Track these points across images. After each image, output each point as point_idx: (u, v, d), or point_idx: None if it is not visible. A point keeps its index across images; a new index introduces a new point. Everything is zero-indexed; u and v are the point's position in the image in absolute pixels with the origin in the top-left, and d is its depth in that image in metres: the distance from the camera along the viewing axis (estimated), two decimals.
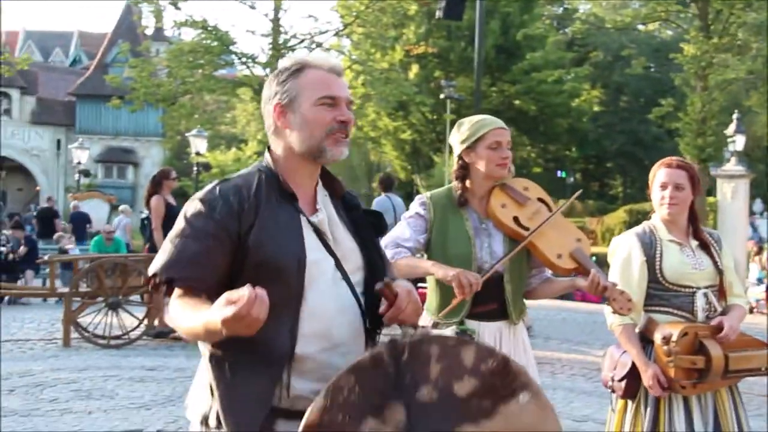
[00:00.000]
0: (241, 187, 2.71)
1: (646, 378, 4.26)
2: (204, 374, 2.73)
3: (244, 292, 2.24)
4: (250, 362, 2.61)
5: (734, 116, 26.22)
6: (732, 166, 24.25)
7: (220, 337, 2.33)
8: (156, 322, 11.56)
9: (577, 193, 4.71)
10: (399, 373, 2.46)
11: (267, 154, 2.85)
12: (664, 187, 4.44)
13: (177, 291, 2.62)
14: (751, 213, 29.69)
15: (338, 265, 2.77)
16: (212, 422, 2.66)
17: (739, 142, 25.53)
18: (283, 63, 2.85)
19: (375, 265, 2.90)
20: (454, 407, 2.45)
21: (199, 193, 2.73)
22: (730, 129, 26.00)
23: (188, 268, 2.61)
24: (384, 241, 4.08)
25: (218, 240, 2.63)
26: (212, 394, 2.67)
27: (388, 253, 4.00)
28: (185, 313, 2.54)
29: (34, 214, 29.64)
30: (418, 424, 2.42)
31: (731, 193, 23.42)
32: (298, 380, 2.65)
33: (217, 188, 2.71)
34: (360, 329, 2.78)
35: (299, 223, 2.74)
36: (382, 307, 2.72)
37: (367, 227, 2.97)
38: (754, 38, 28.64)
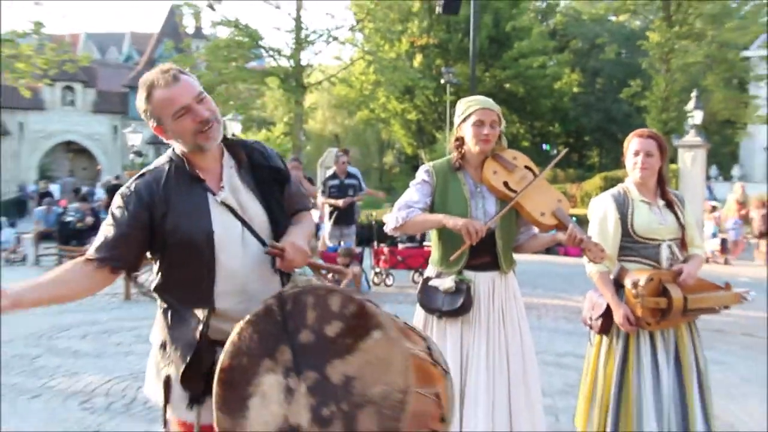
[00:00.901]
0: (151, 183, 2.88)
1: (618, 317, 4.32)
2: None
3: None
4: (182, 315, 2.92)
5: (693, 94, 26.14)
6: (691, 137, 24.13)
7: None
8: None
9: (555, 160, 4.65)
10: (285, 320, 2.59)
11: (176, 145, 2.94)
12: (636, 154, 4.45)
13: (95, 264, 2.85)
14: (708, 178, 29.69)
15: (247, 228, 2.92)
16: (168, 348, 2.95)
17: (697, 117, 25.52)
18: (140, 88, 2.88)
19: (277, 219, 3.02)
20: (326, 346, 2.55)
21: (121, 189, 2.90)
22: (690, 105, 25.94)
23: (110, 251, 2.83)
24: (397, 204, 4.14)
25: (132, 227, 2.83)
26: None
27: (402, 213, 4.06)
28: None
29: (105, 189, 29.62)
30: (300, 362, 2.55)
31: (691, 161, 23.35)
32: (222, 324, 2.84)
33: (133, 185, 2.89)
34: (272, 277, 2.97)
35: (207, 201, 2.89)
36: (278, 263, 2.92)
37: (270, 182, 3.06)
38: (710, 27, 28.39)
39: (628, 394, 4.37)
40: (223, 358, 2.60)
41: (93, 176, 47.37)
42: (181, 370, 2.86)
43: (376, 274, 13.84)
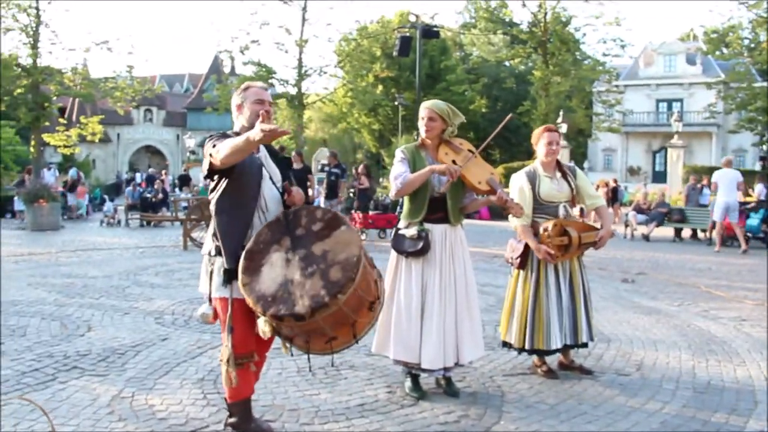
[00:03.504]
0: (227, 134, 3.03)
1: (540, 254, 4.11)
2: (211, 228, 3.10)
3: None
4: (235, 216, 3.04)
5: (561, 113, 26.38)
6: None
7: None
8: None
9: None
10: (288, 224, 2.94)
11: (240, 121, 3.16)
12: (547, 143, 4.27)
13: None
14: None
15: (270, 178, 3.15)
16: (213, 252, 3.06)
17: (563, 128, 25.98)
18: (240, 87, 3.21)
19: (284, 177, 3.25)
20: (312, 236, 2.88)
21: (215, 134, 3.06)
22: (559, 119, 26.25)
23: (221, 153, 2.88)
24: (392, 178, 3.87)
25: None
26: (215, 237, 3.04)
27: (398, 181, 3.81)
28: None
29: (177, 177, 29.03)
30: (296, 245, 2.86)
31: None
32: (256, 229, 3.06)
33: (223, 132, 3.06)
34: (280, 205, 3.16)
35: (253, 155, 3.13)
36: (286, 197, 3.17)
37: (282, 164, 3.31)
38: (572, 68, 28.80)
39: (541, 312, 4.17)
40: (248, 245, 2.91)
41: (163, 168, 46.95)
42: (234, 253, 2.94)
43: None
